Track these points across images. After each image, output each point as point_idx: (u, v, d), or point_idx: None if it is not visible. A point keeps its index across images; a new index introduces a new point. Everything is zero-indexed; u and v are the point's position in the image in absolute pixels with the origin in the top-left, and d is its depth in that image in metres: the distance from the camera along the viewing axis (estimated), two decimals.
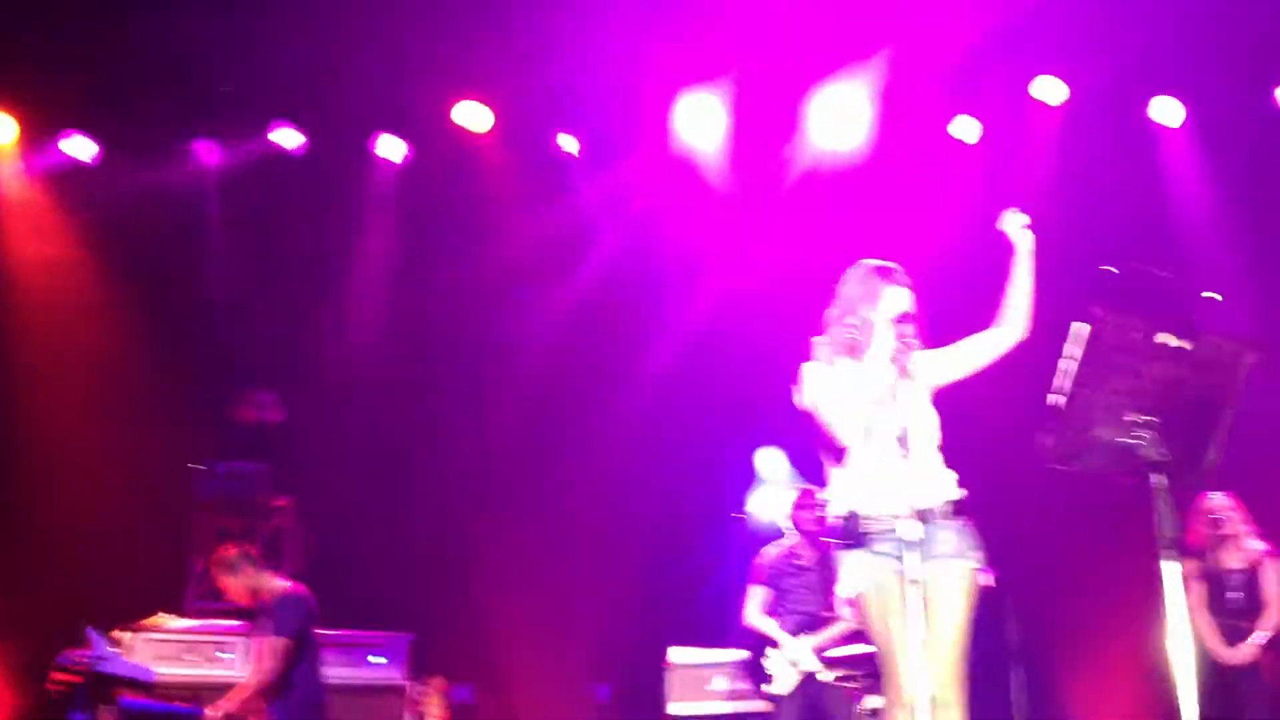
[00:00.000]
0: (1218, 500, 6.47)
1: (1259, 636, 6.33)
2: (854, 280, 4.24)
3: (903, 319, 4.08)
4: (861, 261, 4.28)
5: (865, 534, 4.05)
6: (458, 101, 8.71)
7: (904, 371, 4.04)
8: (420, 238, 9.04)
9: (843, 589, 4.20)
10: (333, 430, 8.49)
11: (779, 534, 7.10)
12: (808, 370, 4.21)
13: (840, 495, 4.16)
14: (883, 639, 4.04)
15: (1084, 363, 3.64)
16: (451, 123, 8.74)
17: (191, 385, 8.39)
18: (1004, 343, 4.25)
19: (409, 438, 8.79)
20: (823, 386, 4.16)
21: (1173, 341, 3.68)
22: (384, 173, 9.02)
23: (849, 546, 4.10)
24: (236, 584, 6.21)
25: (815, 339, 4.25)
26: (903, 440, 3.89)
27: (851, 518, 4.09)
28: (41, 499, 7.98)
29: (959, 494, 4.10)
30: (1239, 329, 6.84)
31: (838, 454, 4.14)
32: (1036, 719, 7.16)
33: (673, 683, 7.26)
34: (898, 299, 4.16)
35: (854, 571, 4.11)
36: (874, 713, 5.92)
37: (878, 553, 4.03)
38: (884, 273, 4.23)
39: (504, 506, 8.61)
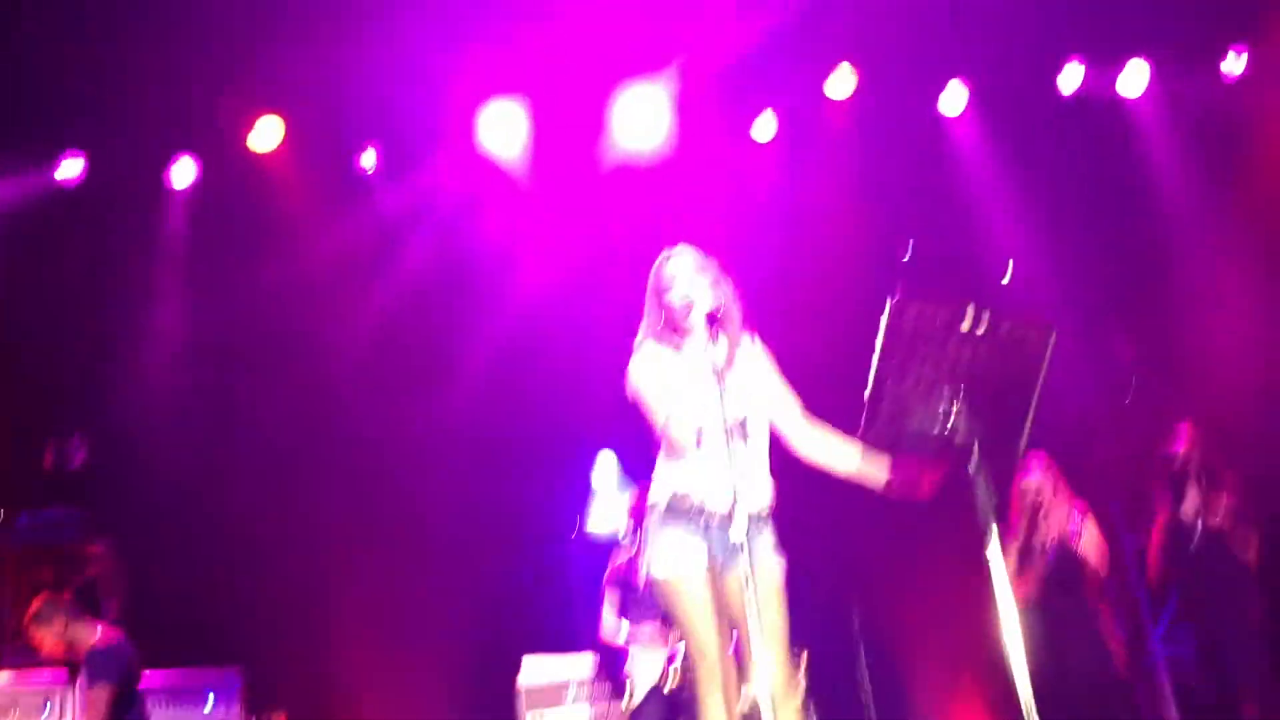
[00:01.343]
0: (1033, 480, 6.60)
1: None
2: (654, 271, 4.21)
3: (713, 312, 4.02)
4: (663, 251, 4.25)
5: (683, 517, 4.02)
6: (250, 118, 8.47)
7: (729, 362, 4.05)
8: (218, 259, 8.76)
9: (653, 568, 4.11)
10: (143, 465, 8.17)
11: (619, 540, 7.13)
12: (633, 362, 4.18)
13: (661, 479, 4.13)
14: (691, 625, 4.01)
15: (887, 352, 3.70)
16: (243, 142, 8.49)
17: None
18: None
19: (224, 466, 8.51)
20: (645, 378, 4.13)
21: (972, 322, 3.74)
22: (175, 197, 8.71)
23: (666, 524, 4.06)
24: (50, 637, 6.01)
25: (640, 332, 4.23)
26: (727, 433, 3.82)
27: (672, 499, 4.06)
28: None
29: (771, 497, 4.14)
30: (1038, 310, 7.30)
31: (665, 446, 4.11)
32: (885, 709, 7.39)
33: (525, 703, 7.22)
34: (693, 283, 4.11)
35: (666, 553, 4.05)
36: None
37: (691, 538, 4.01)
38: (678, 258, 4.18)
39: (330, 529, 8.41)
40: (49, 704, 6.62)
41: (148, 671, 6.28)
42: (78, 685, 6.11)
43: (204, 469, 8.34)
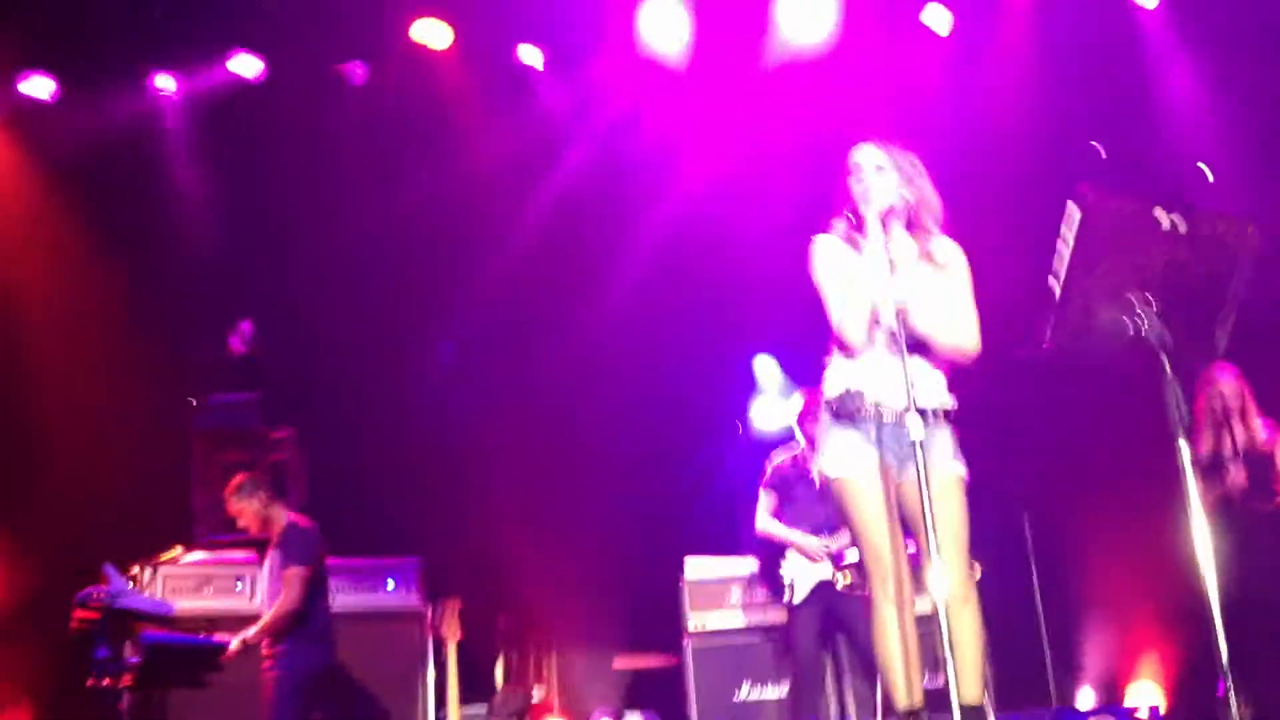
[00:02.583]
0: (1224, 379, 6.36)
1: None
2: (848, 164, 4.14)
3: (888, 212, 3.95)
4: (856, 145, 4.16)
5: (858, 416, 3.98)
6: (416, 19, 8.55)
7: (927, 256, 3.99)
8: (387, 157, 8.92)
9: (825, 467, 4.08)
10: (320, 358, 8.45)
11: (783, 441, 7.12)
12: (813, 255, 4.13)
13: (834, 377, 4.09)
14: (864, 525, 3.98)
15: (1078, 245, 3.56)
16: (411, 41, 8.58)
17: (175, 319, 8.32)
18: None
19: (393, 359, 8.75)
20: (822, 270, 4.10)
21: (1170, 220, 3.62)
22: (347, 95, 8.88)
23: (839, 424, 4.02)
24: (251, 511, 6.25)
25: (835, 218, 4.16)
26: (900, 331, 3.75)
27: (846, 396, 4.01)
28: (39, 441, 7.92)
29: (952, 401, 4.07)
30: (1236, 206, 6.94)
31: (838, 342, 4.07)
32: (1056, 617, 7.27)
33: (688, 597, 7.33)
34: (875, 178, 4.03)
35: (841, 452, 4.01)
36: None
37: (863, 437, 3.97)
38: (863, 151, 4.10)
39: (499, 423, 8.59)
40: (240, 582, 6.97)
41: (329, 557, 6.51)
42: (267, 564, 6.36)
43: (376, 364, 8.58)
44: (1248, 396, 6.41)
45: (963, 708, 3.54)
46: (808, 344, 4.31)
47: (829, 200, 4.22)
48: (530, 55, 8.81)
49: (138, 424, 7.89)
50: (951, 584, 3.87)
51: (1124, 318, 3.67)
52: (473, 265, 8.92)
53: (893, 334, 3.78)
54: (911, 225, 4.04)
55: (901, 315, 3.78)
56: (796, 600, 6.62)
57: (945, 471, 3.99)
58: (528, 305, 8.91)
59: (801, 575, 6.61)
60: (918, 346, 3.97)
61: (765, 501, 6.82)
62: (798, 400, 6.89)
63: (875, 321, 3.98)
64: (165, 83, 8.59)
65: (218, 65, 8.58)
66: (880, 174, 4.06)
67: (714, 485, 8.44)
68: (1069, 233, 3.58)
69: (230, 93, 8.60)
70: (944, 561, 3.79)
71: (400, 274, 8.88)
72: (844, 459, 4.01)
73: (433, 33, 8.56)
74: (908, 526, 4.06)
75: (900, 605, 3.96)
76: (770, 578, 6.84)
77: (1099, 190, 3.61)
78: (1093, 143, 4.04)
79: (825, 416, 4.14)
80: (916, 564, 4.03)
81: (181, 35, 8.28)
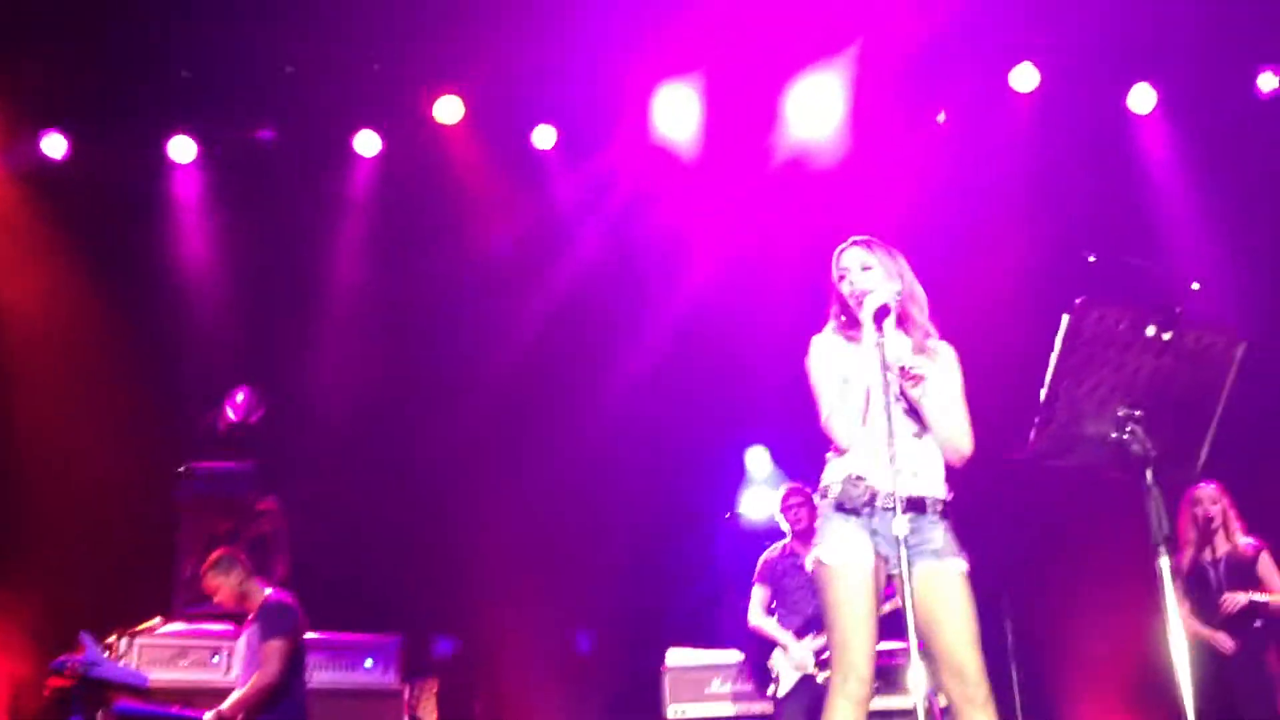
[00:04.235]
0: (1207, 493, 6.40)
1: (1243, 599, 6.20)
2: (833, 261, 4.18)
3: (882, 310, 3.92)
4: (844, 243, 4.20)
5: (856, 506, 3.94)
6: (433, 95, 8.66)
7: (922, 350, 4.01)
8: (397, 231, 9.00)
9: (819, 553, 4.01)
10: (315, 428, 8.46)
11: (772, 533, 7.10)
12: (810, 352, 4.16)
13: (834, 467, 4.06)
14: (837, 614, 3.92)
15: (1067, 355, 3.58)
16: (427, 115, 8.69)
17: (172, 385, 8.34)
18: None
19: (391, 435, 8.75)
20: (816, 368, 4.11)
21: (1160, 333, 3.62)
22: (360, 168, 8.97)
23: (838, 513, 3.98)
24: (227, 587, 6.19)
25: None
26: (892, 427, 3.74)
27: (848, 482, 3.97)
28: (26, 503, 7.93)
29: (947, 493, 4.05)
30: (1224, 319, 6.97)
31: (831, 443, 4.06)
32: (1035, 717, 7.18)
33: (670, 685, 7.25)
34: (863, 276, 4.06)
35: (831, 540, 3.97)
36: (871, 715, 5.94)
37: (859, 527, 3.93)
38: (851, 250, 4.14)
39: (490, 506, 8.57)
40: (217, 655, 6.90)
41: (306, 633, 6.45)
42: (244, 638, 6.31)
43: (369, 437, 8.58)
44: (1230, 511, 6.40)
45: None
46: (805, 438, 4.30)
47: (825, 299, 4.25)
48: (545, 137, 8.90)
49: (128, 491, 7.89)
50: (968, 688, 3.84)
51: (1110, 432, 3.66)
52: (473, 343, 8.96)
53: (891, 427, 3.76)
54: (902, 321, 4.05)
55: (901, 406, 3.79)
56: (781, 693, 6.60)
57: (950, 567, 3.95)
58: (524, 388, 8.92)
59: (788, 668, 6.59)
60: (919, 436, 3.97)
61: (758, 595, 6.83)
62: (780, 491, 6.92)
63: (867, 414, 3.96)
64: (183, 145, 8.69)
65: (233, 131, 8.69)
66: (867, 274, 4.10)
67: (701, 574, 8.39)
68: (1059, 342, 3.60)
69: (243, 159, 8.68)
70: (958, 664, 3.80)
71: (401, 350, 8.91)
72: (838, 547, 3.97)
73: (448, 109, 8.66)
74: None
75: (856, 702, 3.89)
76: (757, 669, 6.80)
77: (1089, 301, 3.62)
78: (1088, 256, 4.07)
79: (825, 506, 4.10)
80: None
81: (201, 99, 8.39)
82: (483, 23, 7.90)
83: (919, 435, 3.85)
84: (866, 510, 3.95)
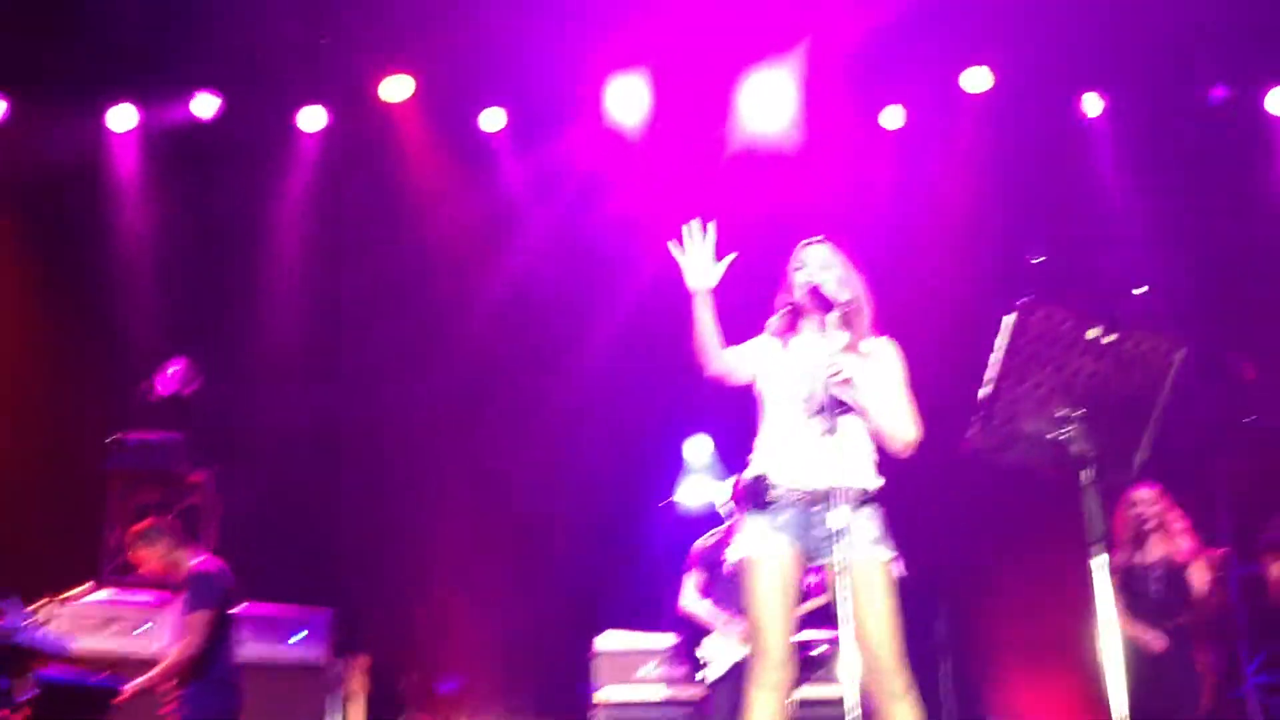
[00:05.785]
0: (1144, 494, 6.43)
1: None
2: (793, 256, 4.29)
3: (815, 293, 4.03)
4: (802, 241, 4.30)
5: (770, 501, 4.06)
6: (381, 72, 8.58)
7: (855, 350, 4.07)
8: (341, 209, 8.91)
9: (737, 548, 4.13)
10: (252, 403, 8.35)
11: (708, 521, 7.11)
12: (756, 341, 4.27)
13: (757, 462, 4.16)
14: (754, 607, 4.03)
15: (1010, 355, 3.65)
16: (374, 93, 8.61)
17: (107, 354, 8.20)
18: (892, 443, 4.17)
19: (332, 413, 8.66)
20: (762, 356, 4.23)
21: (1101, 336, 3.69)
22: (304, 143, 8.87)
23: (752, 510, 4.10)
24: (152, 557, 6.10)
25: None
26: (825, 415, 3.82)
27: (759, 481, 4.10)
28: None
29: (878, 482, 4.12)
30: (1162, 321, 7.10)
31: (762, 430, 4.17)
32: (965, 714, 7.27)
33: (600, 669, 7.24)
34: (818, 273, 4.13)
35: (747, 537, 4.09)
36: (802, 704, 5.97)
37: (777, 525, 4.04)
38: (813, 248, 4.26)
39: (429, 488, 8.53)
40: (145, 625, 6.80)
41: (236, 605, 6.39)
42: (174, 607, 6.22)
43: (309, 415, 8.49)
44: (1169, 514, 6.48)
45: None
46: (747, 429, 4.33)
47: (776, 289, 4.33)
48: (494, 119, 8.83)
49: (59, 461, 7.74)
50: (884, 678, 3.89)
51: (1049, 431, 3.72)
52: (418, 325, 8.88)
53: (819, 415, 3.85)
54: (845, 324, 4.10)
55: (828, 397, 3.83)
56: (711, 678, 6.60)
57: (869, 557, 3.99)
58: (467, 369, 8.85)
59: (719, 653, 6.60)
60: (844, 427, 3.97)
61: (691, 581, 6.82)
62: (730, 481, 6.92)
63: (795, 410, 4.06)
64: (123, 114, 8.53)
65: (176, 102, 8.55)
66: (825, 272, 4.16)
67: (636, 559, 8.39)
68: (1002, 341, 3.65)
69: (184, 130, 8.54)
70: (874, 653, 3.85)
71: (340, 323, 8.83)
72: (748, 544, 4.08)
73: (396, 86, 8.57)
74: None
75: (773, 688, 3.97)
76: (689, 654, 6.81)
77: (1033, 302, 3.66)
78: (1034, 258, 4.11)
79: (745, 499, 4.20)
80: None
81: (144, 68, 8.25)
82: (435, 1, 7.84)
83: (832, 431, 3.83)
84: (782, 506, 4.04)
